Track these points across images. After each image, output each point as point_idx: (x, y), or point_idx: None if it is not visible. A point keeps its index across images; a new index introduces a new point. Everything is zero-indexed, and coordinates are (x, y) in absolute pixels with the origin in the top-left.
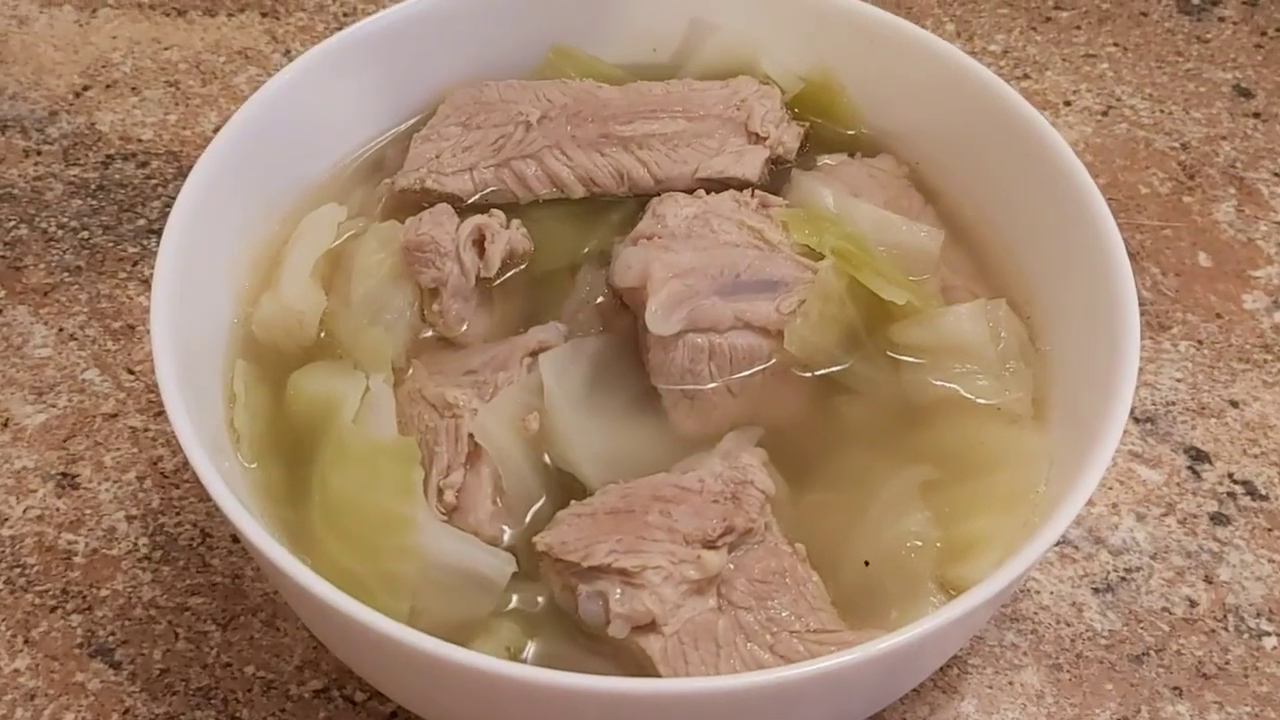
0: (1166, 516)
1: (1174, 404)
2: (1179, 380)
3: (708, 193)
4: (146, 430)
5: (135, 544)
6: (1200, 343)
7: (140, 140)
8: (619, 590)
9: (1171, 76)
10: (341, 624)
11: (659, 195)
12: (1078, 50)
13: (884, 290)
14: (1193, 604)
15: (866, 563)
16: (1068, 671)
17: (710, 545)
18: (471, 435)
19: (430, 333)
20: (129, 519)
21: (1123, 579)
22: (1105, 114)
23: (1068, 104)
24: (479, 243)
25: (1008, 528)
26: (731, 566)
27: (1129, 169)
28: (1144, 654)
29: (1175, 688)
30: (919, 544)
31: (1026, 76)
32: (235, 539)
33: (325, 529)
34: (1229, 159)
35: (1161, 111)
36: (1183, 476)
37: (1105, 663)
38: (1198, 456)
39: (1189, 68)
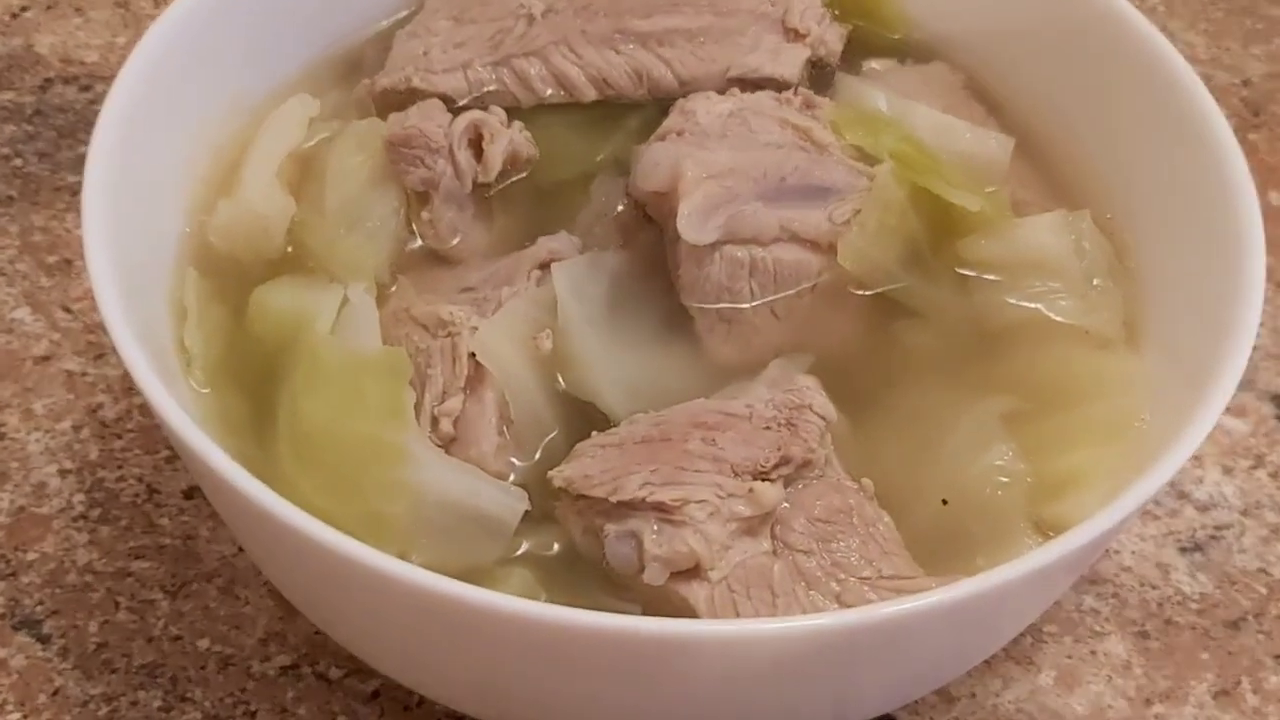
0: (1256, 469)
1: (1255, 348)
2: (1259, 324)
3: (742, 94)
4: (85, 374)
5: (69, 501)
6: (1279, 285)
7: (84, 63)
8: (655, 528)
9: (1226, 12)
10: (321, 566)
11: (685, 96)
12: None
13: (953, 195)
14: None
15: (945, 501)
16: (1156, 639)
17: (763, 476)
18: (473, 355)
19: (418, 244)
20: (62, 473)
21: (1212, 537)
22: None
23: None
24: (476, 141)
25: (1109, 460)
26: (787, 504)
27: None
28: (1241, 619)
29: (1278, 656)
30: (1006, 480)
31: None
32: (187, 494)
33: (296, 465)
34: None
35: (1219, 47)
36: (1270, 426)
37: (1198, 629)
38: None
39: (1244, 3)
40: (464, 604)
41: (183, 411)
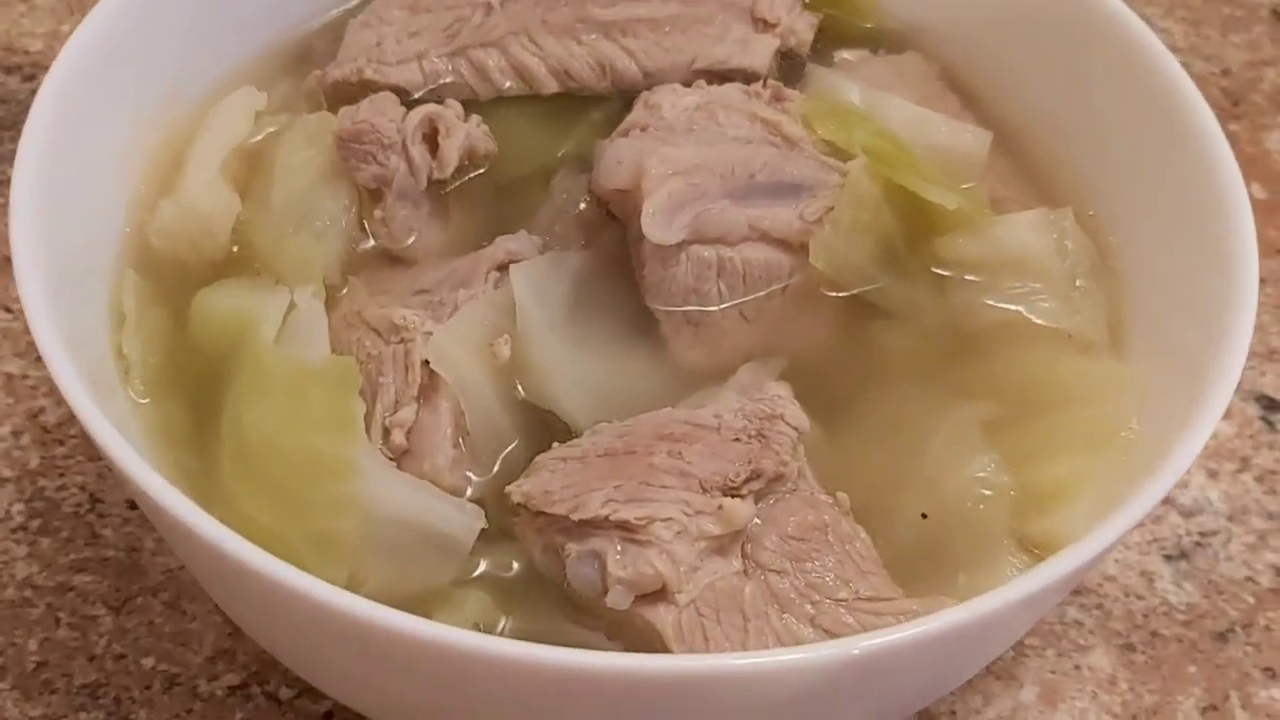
0: (1242, 473)
1: None
2: None
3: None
4: (25, 377)
5: (8, 511)
6: (1263, 281)
7: (27, 52)
8: (619, 548)
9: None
10: (262, 594)
11: (650, 89)
12: None
13: (929, 192)
14: (1279, 571)
15: (924, 515)
16: (1142, 652)
17: (733, 492)
18: (426, 362)
19: (371, 244)
20: (0, 481)
21: (1198, 544)
22: None
23: None
24: (431, 136)
25: (1096, 471)
26: (759, 520)
27: None
28: (1229, 630)
29: (1267, 669)
30: (988, 493)
31: None
32: (131, 504)
33: (239, 479)
34: (1274, 85)
35: (1198, 35)
36: (1256, 428)
37: (1185, 641)
38: (1270, 405)
39: None
40: (410, 638)
41: (112, 428)
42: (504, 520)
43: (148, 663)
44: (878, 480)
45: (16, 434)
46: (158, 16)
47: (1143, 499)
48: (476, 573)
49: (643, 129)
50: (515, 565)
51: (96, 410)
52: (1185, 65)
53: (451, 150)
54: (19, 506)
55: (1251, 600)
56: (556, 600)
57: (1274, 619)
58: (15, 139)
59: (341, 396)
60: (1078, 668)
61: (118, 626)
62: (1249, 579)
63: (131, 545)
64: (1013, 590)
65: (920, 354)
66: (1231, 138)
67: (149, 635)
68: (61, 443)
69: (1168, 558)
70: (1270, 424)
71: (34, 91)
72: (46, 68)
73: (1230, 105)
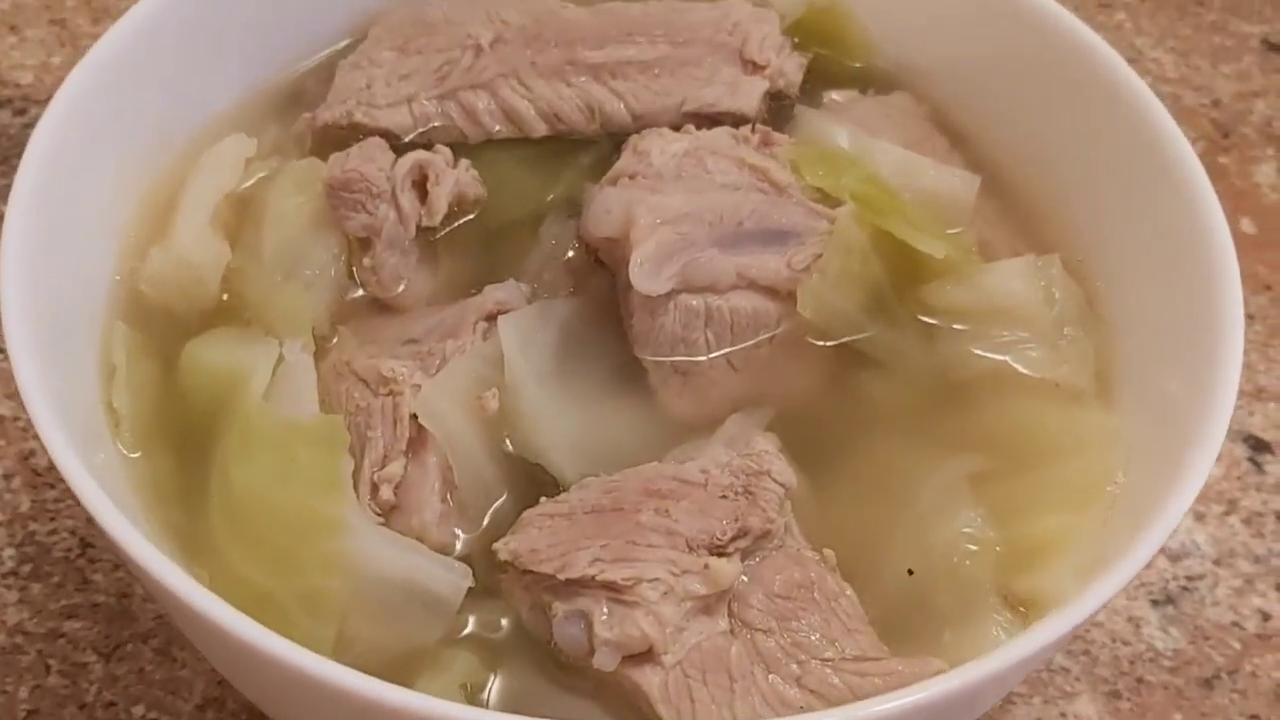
0: (1229, 515)
1: None
2: None
3: (697, 129)
4: (16, 419)
5: None
6: (1251, 317)
7: (18, 85)
8: (605, 609)
9: (1195, 29)
10: (249, 660)
11: (639, 133)
12: None
13: (918, 241)
14: (1266, 617)
15: (910, 572)
16: (1128, 699)
17: (720, 551)
18: (414, 416)
19: (360, 293)
20: None
21: (1184, 589)
22: None
23: None
24: (420, 184)
25: (1082, 526)
26: (745, 577)
27: None
28: (1214, 677)
29: (1253, 716)
30: (974, 548)
31: None
32: None
33: (228, 536)
34: (1264, 117)
35: (1187, 66)
36: (1243, 469)
37: (1171, 688)
38: (1258, 446)
39: (1212, 19)
40: (396, 709)
41: (97, 488)
42: (491, 576)
43: (138, 710)
44: (865, 535)
45: (8, 477)
46: (146, 63)
47: (1128, 562)
48: (465, 632)
49: (631, 177)
50: (503, 623)
51: (81, 468)
52: (1175, 97)
53: (441, 198)
54: (10, 551)
55: (1238, 646)
56: (543, 659)
57: (1260, 665)
58: (7, 174)
59: (330, 456)
60: (1064, 715)
61: (108, 674)
62: (1235, 624)
63: (122, 591)
64: (1001, 658)
65: (908, 404)
66: (1220, 171)
67: (139, 682)
68: (53, 486)
69: (1154, 602)
70: (1258, 465)
71: (25, 126)
72: (38, 101)
73: (1220, 137)
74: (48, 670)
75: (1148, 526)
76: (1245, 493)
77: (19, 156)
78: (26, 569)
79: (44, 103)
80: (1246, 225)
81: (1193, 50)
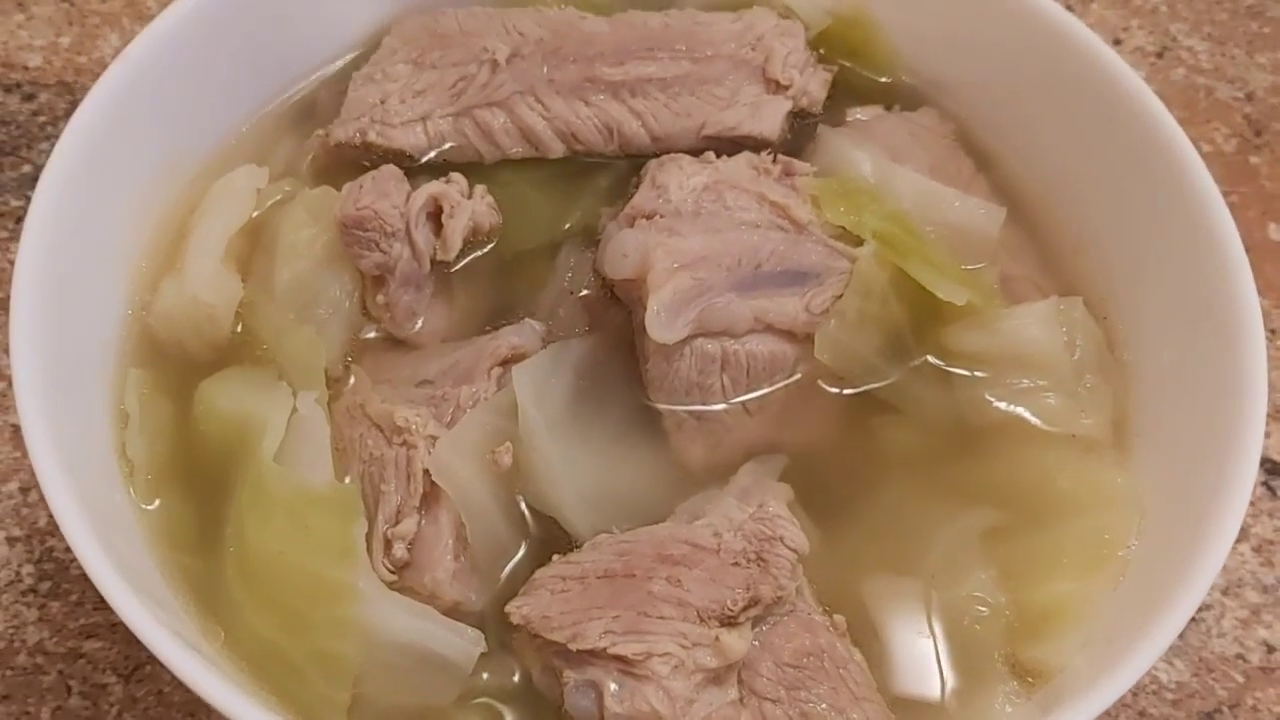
0: (1240, 543)
1: None
2: None
3: (718, 154)
4: None
5: (17, 573)
6: (1274, 332)
7: (26, 68)
8: (616, 683)
9: (1232, 14)
10: None
11: (657, 157)
12: None
13: (938, 287)
14: (1270, 649)
15: (919, 634)
16: None
17: (730, 622)
18: (427, 472)
19: (374, 331)
20: (9, 541)
21: (1192, 620)
22: (1160, 56)
23: (1117, 43)
24: (435, 216)
25: (1092, 595)
26: (757, 643)
27: (1188, 122)
28: (1216, 711)
29: None
30: (984, 611)
31: (1069, 9)
32: None
33: (244, 590)
34: None
35: (1222, 55)
36: (1257, 494)
37: None
38: (1274, 470)
39: (1250, 3)
40: None
41: (122, 585)
42: (505, 633)
43: None
44: (875, 592)
45: (25, 490)
46: (155, 86)
47: (1141, 653)
48: (479, 687)
49: (649, 216)
50: (516, 677)
51: (105, 560)
52: (1209, 89)
53: (456, 232)
54: (28, 568)
55: (1241, 679)
56: (556, 714)
57: (1261, 699)
58: (17, 165)
59: (343, 524)
60: None
61: (128, 695)
62: (1239, 656)
63: None
64: None
65: (923, 452)
66: (1251, 172)
67: (158, 705)
68: None
69: None
70: (1272, 490)
71: (35, 113)
72: (45, 85)
73: (1254, 135)
74: (68, 691)
75: (1167, 600)
76: (1258, 519)
77: (28, 147)
78: (45, 586)
79: (53, 87)
80: (1274, 232)
81: (1228, 37)
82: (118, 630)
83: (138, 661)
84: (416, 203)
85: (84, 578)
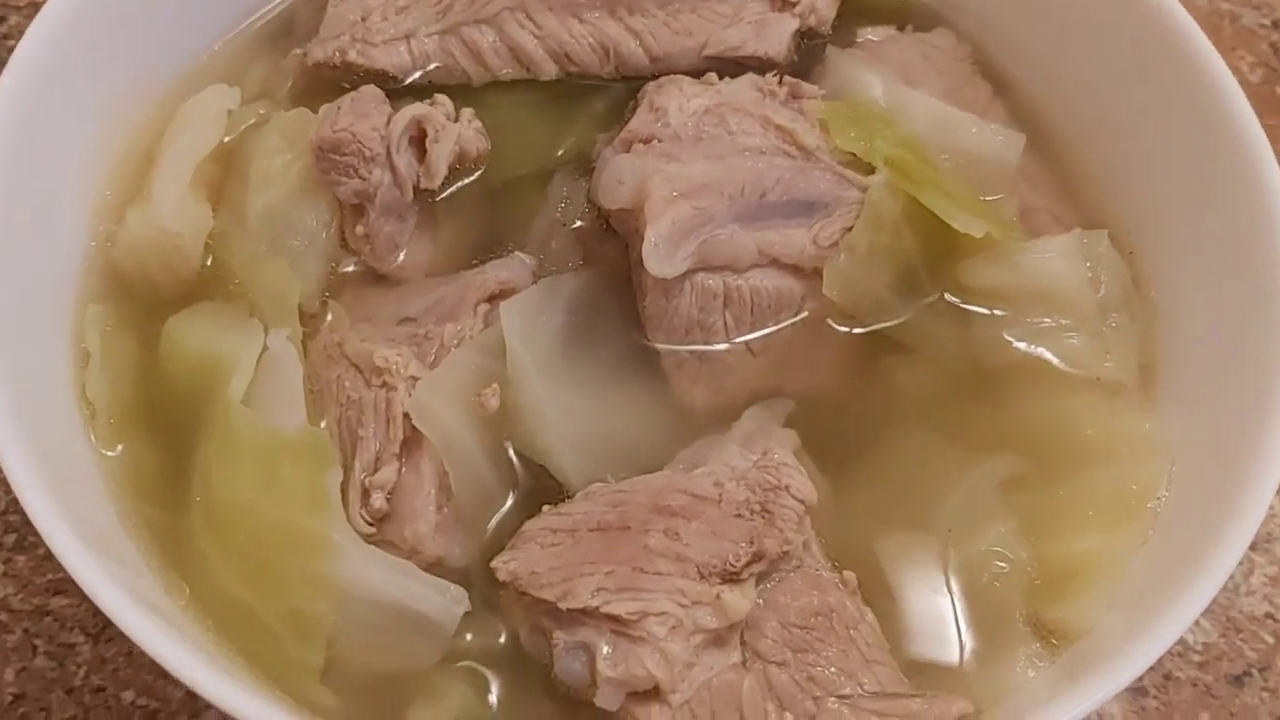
0: None
1: None
2: None
3: (720, 76)
4: None
5: None
6: None
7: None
8: (608, 645)
9: None
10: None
11: (656, 79)
12: None
13: (954, 218)
14: None
15: (935, 592)
16: (1155, 697)
17: (733, 578)
18: (407, 415)
19: (353, 264)
20: None
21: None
22: None
23: None
24: (418, 141)
25: (1120, 550)
26: (760, 602)
27: None
28: (1245, 674)
29: None
30: (1004, 567)
31: None
32: None
33: (212, 543)
34: None
35: None
36: None
37: (1200, 685)
38: None
39: None
40: None
41: (82, 550)
42: (491, 591)
43: (127, 696)
44: (889, 546)
45: None
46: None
47: (1176, 615)
48: (463, 649)
49: (646, 141)
50: (502, 639)
51: (47, 503)
52: (1234, 16)
53: (441, 158)
54: None
55: (1270, 640)
56: (545, 690)
57: None
58: None
59: (314, 471)
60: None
61: (96, 655)
62: (1269, 615)
63: None
64: None
65: (938, 395)
66: (1277, 103)
67: (128, 666)
68: None
69: None
70: None
71: (4, 36)
72: (17, 8)
73: None
74: (34, 651)
75: (1203, 559)
76: None
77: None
78: (11, 539)
79: (24, 10)
80: None
81: None
82: None
83: (107, 620)
84: (398, 125)
85: None
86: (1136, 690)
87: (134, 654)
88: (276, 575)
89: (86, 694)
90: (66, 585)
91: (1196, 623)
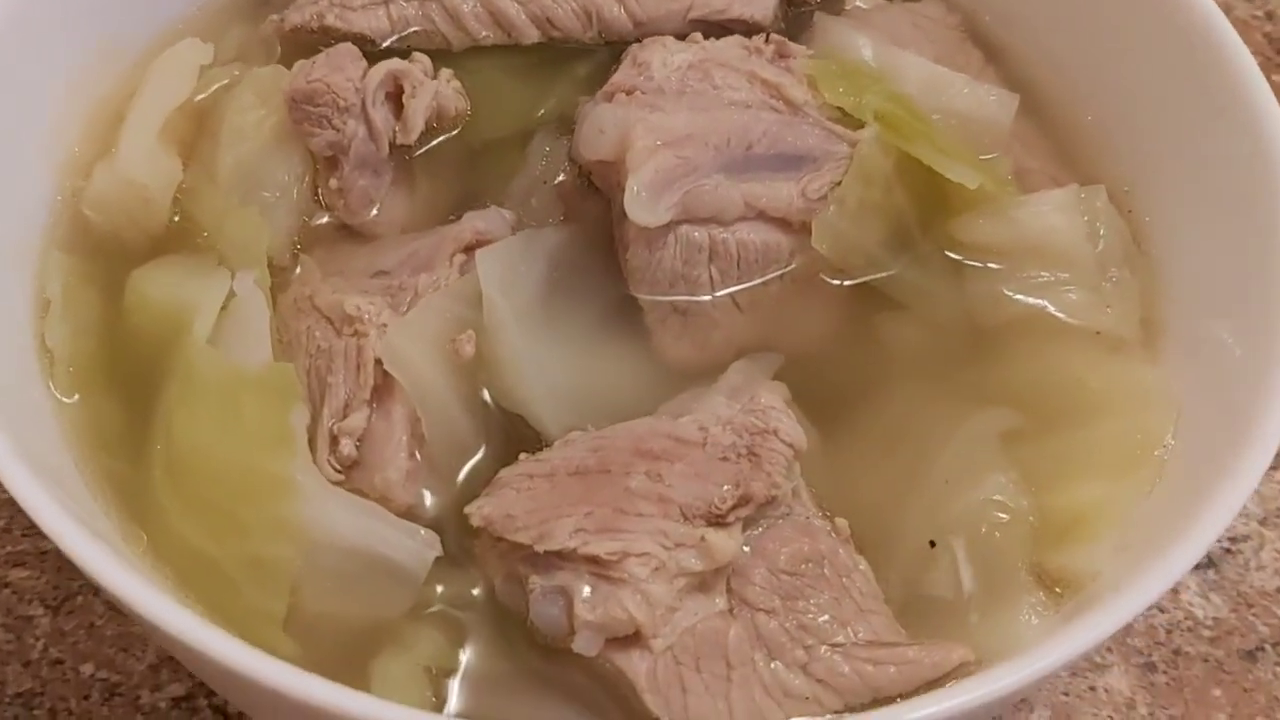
0: (1275, 469)
1: None
2: None
3: (706, 38)
4: None
5: None
6: None
7: None
8: (588, 587)
9: None
10: (182, 651)
11: (640, 42)
12: None
13: (947, 169)
14: None
15: (932, 544)
16: (1164, 672)
17: (718, 521)
18: (379, 361)
19: (326, 218)
20: None
21: (1227, 551)
22: None
23: None
24: (395, 96)
25: (1125, 496)
26: (748, 548)
27: None
28: (1258, 649)
29: None
30: (1004, 518)
31: None
32: None
33: (169, 492)
34: None
35: None
36: None
37: (1211, 660)
38: None
39: None
40: (343, 714)
41: (30, 476)
42: (464, 541)
43: (86, 669)
44: (882, 499)
45: None
46: None
47: (1181, 551)
48: (434, 601)
49: (629, 92)
50: (475, 592)
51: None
52: (1226, 8)
53: (417, 112)
54: None
55: None
56: (518, 638)
57: None
58: None
59: (278, 408)
60: (1093, 689)
61: (55, 628)
62: None
63: None
64: (1035, 664)
65: (932, 350)
66: (1275, 89)
67: (89, 639)
68: None
69: (1195, 566)
70: None
71: None
72: None
73: (1275, 54)
74: None
75: (1209, 497)
76: None
77: None
78: None
79: None
80: None
81: None
82: (47, 559)
83: (68, 592)
84: (374, 79)
85: (11, 501)
86: (1146, 666)
87: (94, 627)
88: (237, 520)
89: (44, 666)
90: (26, 558)
91: (1206, 597)
